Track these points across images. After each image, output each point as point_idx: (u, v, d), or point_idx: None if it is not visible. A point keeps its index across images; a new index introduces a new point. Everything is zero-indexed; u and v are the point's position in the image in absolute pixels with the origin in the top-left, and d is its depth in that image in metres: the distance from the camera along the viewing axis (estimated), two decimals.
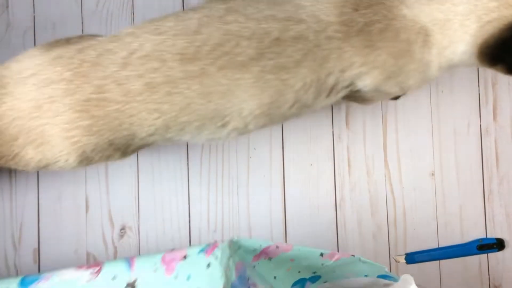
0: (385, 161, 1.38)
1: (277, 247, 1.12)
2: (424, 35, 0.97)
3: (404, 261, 1.36)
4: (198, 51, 0.91)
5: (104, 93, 0.89)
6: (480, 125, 1.40)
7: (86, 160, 0.96)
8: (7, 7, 1.34)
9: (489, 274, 1.38)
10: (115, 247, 1.33)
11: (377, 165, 1.38)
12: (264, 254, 1.14)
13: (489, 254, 1.38)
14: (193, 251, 1.19)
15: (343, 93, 1.01)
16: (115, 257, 1.32)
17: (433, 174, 1.39)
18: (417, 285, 0.87)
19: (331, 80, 0.97)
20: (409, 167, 1.38)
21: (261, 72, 0.92)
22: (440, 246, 1.38)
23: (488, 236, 1.39)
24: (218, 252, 1.17)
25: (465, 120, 1.40)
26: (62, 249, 1.32)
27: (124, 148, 0.99)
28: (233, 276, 1.16)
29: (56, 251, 1.32)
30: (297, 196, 1.36)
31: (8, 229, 1.31)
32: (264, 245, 1.15)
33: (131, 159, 1.34)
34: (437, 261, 1.37)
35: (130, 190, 1.34)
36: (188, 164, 1.35)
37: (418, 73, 1.01)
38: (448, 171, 1.39)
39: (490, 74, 1.41)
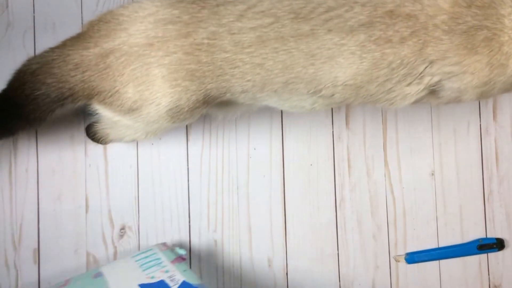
0: (385, 161, 1.38)
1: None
2: None
3: (404, 261, 1.36)
4: (312, 11, 0.94)
5: (217, 39, 0.92)
6: (480, 125, 1.40)
7: (175, 110, 0.97)
8: (7, 7, 1.34)
9: (489, 274, 1.38)
10: (115, 247, 1.33)
11: (377, 165, 1.38)
12: None
13: (489, 254, 1.38)
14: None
15: (425, 91, 1.02)
16: (115, 257, 1.32)
17: (433, 174, 1.39)
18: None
19: (422, 67, 0.97)
20: (409, 167, 1.38)
21: (366, 41, 0.94)
22: (440, 246, 1.38)
23: (488, 236, 1.39)
24: None
25: (465, 120, 1.40)
26: (62, 249, 1.32)
27: (211, 102, 1.00)
28: None
29: (56, 251, 1.32)
30: (297, 196, 1.36)
31: (8, 229, 1.31)
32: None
33: (131, 159, 1.34)
34: (437, 261, 1.37)
35: (130, 190, 1.34)
36: (188, 164, 1.35)
37: (504, 85, 1.02)
38: (448, 171, 1.39)
39: None
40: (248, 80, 0.96)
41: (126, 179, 1.34)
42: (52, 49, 0.99)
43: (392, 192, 1.38)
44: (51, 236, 1.32)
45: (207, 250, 1.35)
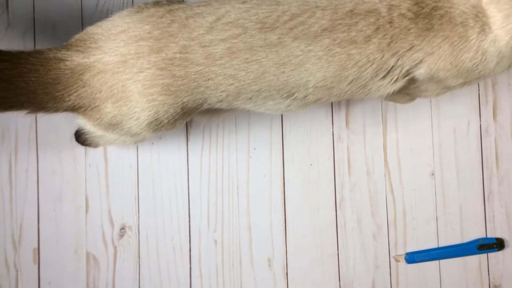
0: (385, 161, 1.38)
1: None
2: (482, 18, 0.97)
3: (404, 261, 1.36)
4: (277, 20, 0.95)
5: (188, 53, 0.94)
6: (480, 125, 1.40)
7: (155, 122, 0.98)
8: (7, 7, 1.34)
9: (489, 274, 1.38)
10: (115, 247, 1.33)
11: (377, 165, 1.38)
12: None
13: (489, 254, 1.38)
14: None
15: (400, 83, 1.02)
16: (115, 257, 1.32)
17: (433, 174, 1.39)
18: None
19: (392, 61, 0.98)
20: (409, 167, 1.38)
21: (331, 45, 0.95)
22: (440, 246, 1.38)
23: (488, 236, 1.39)
24: None
25: (465, 119, 1.40)
26: (62, 249, 1.32)
27: (190, 113, 1.02)
28: None
29: (56, 251, 1.32)
30: (297, 196, 1.36)
31: (8, 229, 1.31)
32: None
33: (131, 159, 1.34)
34: (437, 261, 1.37)
35: (130, 190, 1.34)
36: (188, 164, 1.35)
37: (475, 64, 1.01)
38: (448, 171, 1.39)
39: None
40: (223, 91, 0.97)
41: (126, 179, 1.34)
42: (26, 53, 0.97)
43: (392, 192, 1.38)
44: (51, 236, 1.32)
45: (207, 250, 1.35)
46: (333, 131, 1.38)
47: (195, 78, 0.95)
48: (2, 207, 1.31)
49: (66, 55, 0.95)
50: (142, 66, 0.93)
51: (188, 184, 1.35)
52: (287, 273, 1.35)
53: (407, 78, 1.02)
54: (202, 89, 0.96)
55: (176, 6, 0.98)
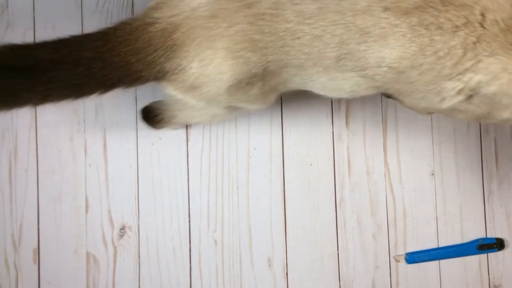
0: (385, 161, 1.38)
1: None
2: None
3: (404, 261, 1.36)
4: None
5: (279, 9, 0.92)
6: (480, 125, 1.40)
7: (235, 86, 0.97)
8: (7, 7, 1.34)
9: (489, 274, 1.38)
10: (115, 247, 1.33)
11: (377, 165, 1.38)
12: None
13: (489, 254, 1.38)
14: None
15: (462, 96, 0.98)
16: (115, 257, 1.33)
17: (433, 174, 1.39)
18: None
19: (469, 64, 0.94)
20: (409, 167, 1.38)
21: (418, 25, 0.92)
22: (440, 246, 1.38)
23: (488, 236, 1.39)
24: None
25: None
26: (62, 249, 1.32)
27: (267, 80, 1.00)
28: None
29: (56, 251, 1.32)
30: (297, 196, 1.36)
31: (8, 229, 1.31)
32: None
33: (131, 159, 1.34)
34: (437, 261, 1.37)
35: (130, 190, 1.34)
36: (188, 164, 1.35)
37: None
38: (448, 171, 1.39)
39: None
40: (305, 53, 0.95)
41: (126, 179, 1.34)
42: (111, 28, 0.96)
43: (392, 192, 1.38)
44: (51, 236, 1.32)
45: (207, 250, 1.35)
46: (333, 131, 1.38)
47: (283, 36, 0.93)
48: (2, 207, 1.31)
49: (153, 19, 0.94)
50: (233, 20, 0.91)
51: (188, 184, 1.35)
52: (287, 273, 1.35)
53: (471, 92, 0.98)
54: (287, 48, 0.94)
55: None
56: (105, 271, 1.33)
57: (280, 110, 1.37)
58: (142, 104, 1.33)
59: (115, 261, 1.33)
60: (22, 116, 1.33)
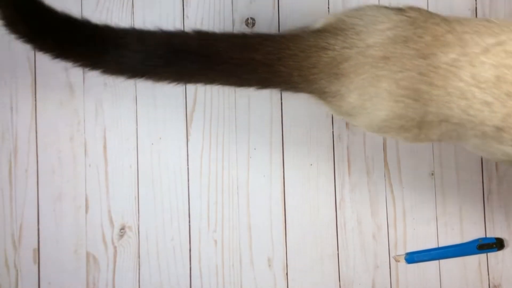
0: (385, 161, 1.38)
1: None
2: None
3: (404, 261, 1.36)
4: None
5: (455, 67, 0.91)
6: None
7: (387, 123, 0.98)
8: None
9: (488, 274, 1.38)
10: (115, 247, 1.33)
11: (377, 165, 1.38)
12: None
13: (489, 254, 1.38)
14: None
15: None
16: (114, 257, 1.32)
17: (433, 174, 1.39)
18: None
19: None
20: (409, 167, 1.38)
21: None
22: (440, 246, 1.38)
23: (488, 236, 1.39)
24: None
25: None
26: (62, 249, 1.32)
27: (421, 127, 0.99)
28: None
29: (56, 251, 1.32)
30: (297, 196, 1.36)
31: (8, 229, 1.31)
32: None
33: (131, 159, 1.34)
34: (437, 261, 1.37)
35: (130, 190, 1.34)
36: (188, 164, 1.35)
37: None
38: (448, 171, 1.39)
39: None
40: (469, 114, 0.93)
41: (126, 179, 1.34)
42: (285, 38, 1.01)
43: (392, 192, 1.38)
44: (51, 236, 1.32)
45: (207, 250, 1.35)
46: (333, 131, 1.38)
47: (451, 92, 0.92)
48: (2, 207, 1.31)
49: (326, 44, 0.96)
50: (404, 66, 0.92)
51: (188, 184, 1.35)
52: (287, 273, 1.36)
53: None
54: (452, 105, 0.93)
55: (451, 17, 0.97)
56: (105, 271, 1.33)
57: (280, 110, 1.37)
58: (142, 104, 1.33)
59: (115, 261, 1.33)
60: (22, 116, 1.33)
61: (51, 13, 0.97)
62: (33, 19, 0.97)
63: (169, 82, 1.01)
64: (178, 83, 1.02)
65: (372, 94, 0.95)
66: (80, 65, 0.99)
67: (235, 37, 1.03)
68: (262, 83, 1.02)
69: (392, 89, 0.93)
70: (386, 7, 1.01)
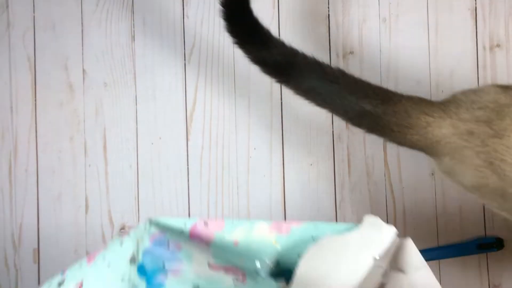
0: (385, 161, 1.38)
1: (205, 223, 0.99)
2: None
3: None
4: None
5: None
6: None
7: (477, 189, 1.06)
8: (7, 7, 1.34)
9: (488, 274, 1.38)
10: None
11: (377, 165, 1.38)
12: (196, 238, 1.00)
13: (489, 254, 1.38)
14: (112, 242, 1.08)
15: None
16: None
17: (433, 174, 1.39)
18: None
19: None
20: (409, 167, 1.38)
21: None
22: (440, 246, 1.38)
23: (488, 236, 1.39)
24: (132, 231, 1.06)
25: None
26: (62, 249, 1.32)
27: (506, 201, 1.06)
28: (147, 243, 1.05)
29: (56, 251, 1.32)
30: (297, 196, 1.36)
31: (8, 229, 1.31)
32: (189, 225, 1.00)
33: (131, 159, 1.34)
34: (437, 261, 1.37)
35: (130, 190, 1.34)
36: (188, 164, 1.35)
37: None
38: None
39: (490, 74, 1.41)
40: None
41: (126, 179, 1.34)
42: (400, 112, 1.07)
43: (392, 192, 1.38)
44: (51, 236, 1.32)
45: None
46: (333, 131, 1.38)
47: None
48: (2, 207, 1.31)
49: (434, 122, 1.04)
50: (484, 143, 0.99)
51: (188, 184, 1.35)
52: None
53: None
54: None
55: None
56: None
57: (280, 110, 1.37)
58: (142, 104, 1.33)
59: None
60: (22, 116, 1.33)
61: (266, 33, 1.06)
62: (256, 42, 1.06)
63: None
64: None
65: (459, 160, 1.03)
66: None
67: (368, 85, 1.10)
68: (371, 129, 1.09)
69: (473, 159, 1.01)
70: (494, 86, 1.07)
